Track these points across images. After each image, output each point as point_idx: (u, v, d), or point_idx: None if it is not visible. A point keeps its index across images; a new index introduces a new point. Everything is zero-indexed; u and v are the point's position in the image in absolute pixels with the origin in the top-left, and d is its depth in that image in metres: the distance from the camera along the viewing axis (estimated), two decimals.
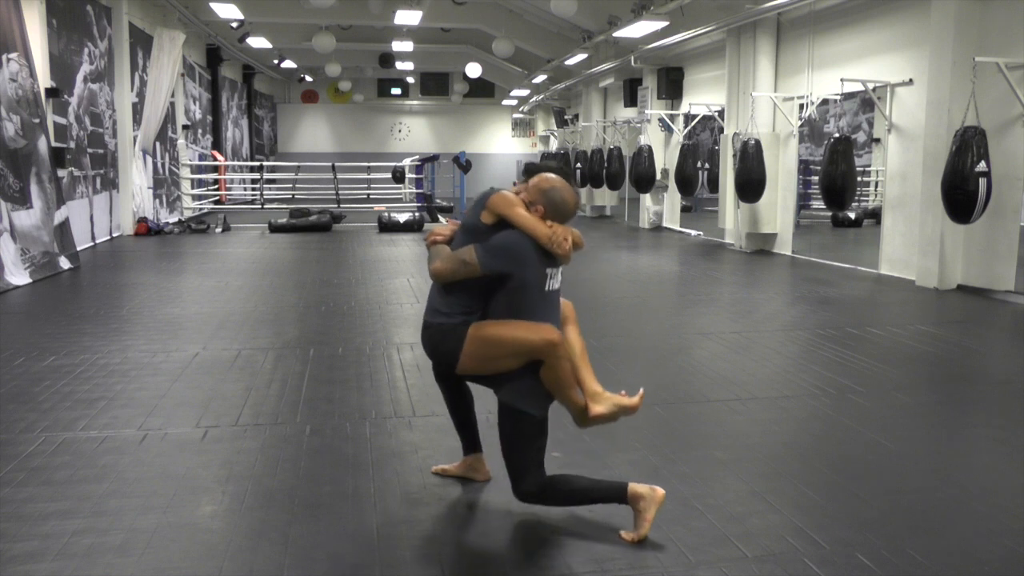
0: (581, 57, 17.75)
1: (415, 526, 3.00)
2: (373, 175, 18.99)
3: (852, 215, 14.53)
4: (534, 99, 25.93)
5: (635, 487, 2.91)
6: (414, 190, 18.26)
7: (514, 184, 3.12)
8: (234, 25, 18.28)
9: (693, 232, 14.63)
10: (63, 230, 9.67)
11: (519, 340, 2.87)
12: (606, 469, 3.50)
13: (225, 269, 9.73)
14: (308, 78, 28.91)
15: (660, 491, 2.91)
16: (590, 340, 5.90)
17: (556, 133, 24.60)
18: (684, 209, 16.08)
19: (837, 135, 9.36)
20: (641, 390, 3.08)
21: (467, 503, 3.21)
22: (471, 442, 3.36)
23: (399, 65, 25.33)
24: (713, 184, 13.40)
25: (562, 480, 2.97)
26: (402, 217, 15.04)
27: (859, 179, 11.08)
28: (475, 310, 2.96)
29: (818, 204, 12.16)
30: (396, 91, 30.16)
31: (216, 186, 19.86)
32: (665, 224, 15.79)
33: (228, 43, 19.39)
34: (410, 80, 29.70)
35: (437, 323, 3.00)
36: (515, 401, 2.93)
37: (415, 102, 30.43)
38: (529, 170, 3.15)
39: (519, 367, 2.92)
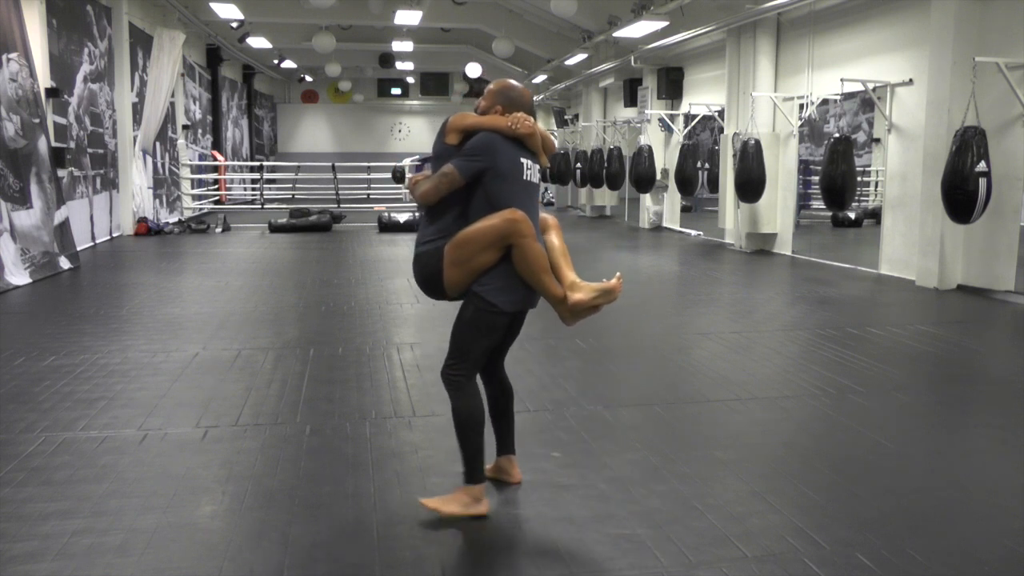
0: (581, 57, 17.75)
1: (415, 526, 3.00)
2: (373, 175, 19.00)
3: (852, 215, 14.53)
4: (534, 99, 25.91)
5: (474, 491, 3.03)
6: None
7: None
8: (234, 25, 18.29)
9: (693, 232, 14.63)
10: (63, 230, 9.67)
11: (482, 228, 2.94)
12: (606, 469, 3.50)
13: (225, 269, 9.73)
14: (308, 78, 28.92)
15: (480, 511, 3.02)
16: (590, 340, 5.91)
17: (556, 133, 24.59)
18: (684, 209, 16.07)
19: (837, 135, 9.36)
20: (618, 273, 3.10)
21: None
22: (504, 443, 3.37)
23: (399, 65, 25.33)
24: (713, 184, 13.39)
25: (471, 408, 3.03)
26: (402, 217, 15.03)
27: (859, 179, 11.08)
28: (453, 230, 3.03)
29: (818, 204, 12.16)
30: (396, 91, 30.17)
31: (216, 186, 19.86)
32: (665, 224, 15.79)
33: (228, 43, 19.39)
34: (410, 80, 29.70)
35: (420, 251, 3.10)
36: (485, 291, 2.99)
37: (415, 102, 30.44)
38: (481, 87, 3.28)
39: (495, 262, 2.97)
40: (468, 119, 3.11)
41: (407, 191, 3.30)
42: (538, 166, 3.17)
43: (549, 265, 3.04)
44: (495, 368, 3.33)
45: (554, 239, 3.16)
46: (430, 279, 3.07)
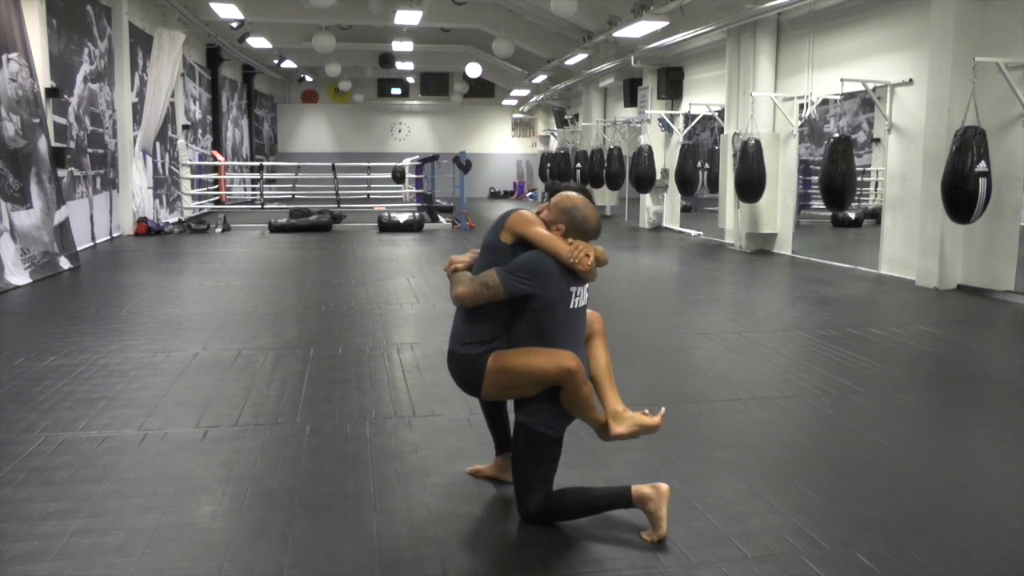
0: (581, 57, 17.76)
1: (415, 526, 3.00)
2: (373, 175, 18.99)
3: (852, 215, 14.53)
4: (534, 99, 25.92)
5: (639, 489, 2.91)
6: (414, 190, 18.27)
7: (538, 200, 3.17)
8: (234, 25, 18.28)
9: (693, 232, 14.63)
10: (63, 230, 9.67)
11: (536, 370, 2.88)
12: (606, 469, 3.50)
13: (225, 269, 9.73)
14: (308, 78, 28.89)
15: (664, 487, 2.91)
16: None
17: (556, 133, 24.59)
18: (684, 209, 16.08)
19: (837, 135, 9.36)
20: (663, 409, 3.10)
21: (467, 503, 3.21)
22: (503, 442, 3.36)
23: (399, 65, 25.31)
24: (713, 184, 13.40)
25: (564, 495, 2.97)
26: (402, 217, 15.04)
27: (859, 179, 11.08)
28: (496, 338, 2.98)
29: (818, 204, 12.16)
30: (396, 91, 30.14)
31: (216, 186, 19.86)
32: (665, 224, 15.79)
33: (228, 43, 19.38)
34: (410, 80, 29.67)
35: (461, 353, 3.02)
36: (532, 422, 2.94)
37: (415, 102, 30.41)
38: (551, 189, 3.15)
39: (539, 393, 2.93)
40: (531, 227, 2.96)
41: (446, 267, 3.13)
42: (586, 287, 3.06)
43: (595, 400, 2.98)
44: None
45: (599, 353, 3.10)
46: (468, 382, 3.04)
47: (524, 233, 2.96)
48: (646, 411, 3.07)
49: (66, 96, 10.79)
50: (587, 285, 3.06)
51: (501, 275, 2.90)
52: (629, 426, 3.02)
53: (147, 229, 13.46)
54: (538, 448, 2.94)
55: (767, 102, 11.37)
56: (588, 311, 3.14)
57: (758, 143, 10.86)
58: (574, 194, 3.07)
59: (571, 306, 2.98)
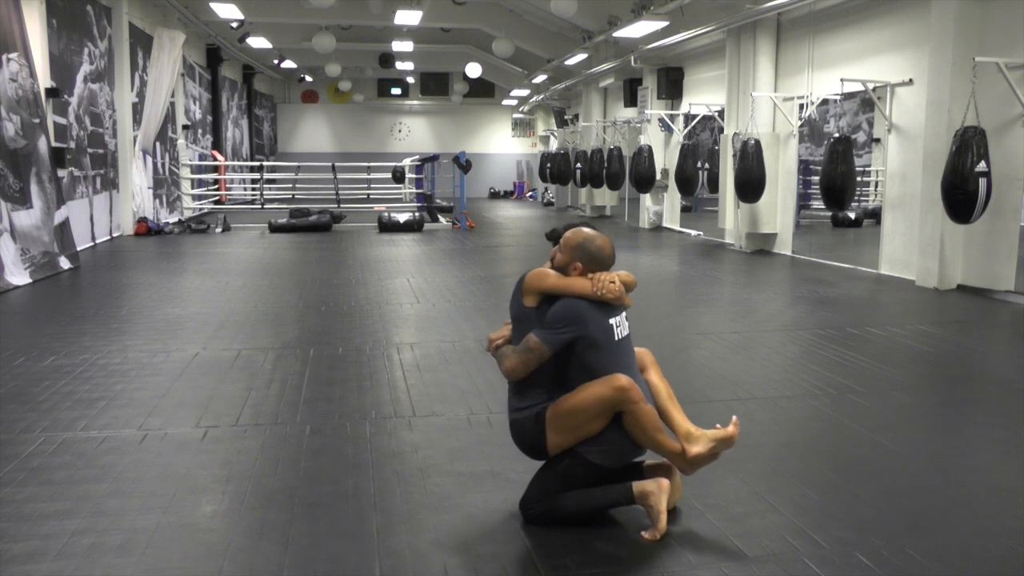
0: (581, 57, 17.75)
1: (415, 526, 3.00)
2: (373, 175, 18.99)
3: (852, 215, 14.53)
4: (534, 99, 25.92)
5: (640, 485, 2.91)
6: (414, 190, 18.27)
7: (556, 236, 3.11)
8: (234, 25, 18.28)
9: (693, 232, 14.63)
10: (63, 230, 9.67)
11: (591, 398, 2.86)
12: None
13: (225, 269, 9.73)
14: (308, 78, 28.89)
15: (665, 482, 2.91)
16: None
17: (556, 133, 24.59)
18: (684, 209, 16.08)
19: (837, 135, 9.36)
20: (734, 417, 3.03)
21: (468, 503, 3.21)
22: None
23: (399, 65, 25.32)
24: (713, 184, 13.39)
25: (566, 497, 2.97)
26: (402, 217, 15.05)
27: (859, 179, 11.09)
28: (549, 396, 2.95)
29: (818, 204, 12.17)
30: (396, 91, 30.13)
31: (216, 186, 19.86)
32: (665, 224, 15.79)
33: (228, 43, 19.39)
34: (410, 80, 29.68)
35: (519, 419, 3.01)
36: (589, 452, 2.93)
37: (415, 102, 30.41)
38: (555, 235, 3.13)
39: (605, 427, 2.90)
40: (547, 280, 2.97)
41: (487, 347, 3.14)
42: (624, 315, 3.05)
43: (661, 422, 2.94)
44: None
45: (656, 380, 3.09)
46: (531, 445, 3.01)
47: (543, 288, 2.96)
48: (717, 425, 3.01)
49: (66, 96, 10.79)
50: (624, 314, 3.06)
51: (540, 334, 2.89)
52: (705, 444, 2.95)
53: (147, 229, 13.46)
54: (579, 472, 2.95)
55: (767, 102, 11.37)
56: (637, 348, 3.13)
57: (758, 143, 10.86)
58: (582, 228, 3.07)
59: (616, 338, 2.97)
